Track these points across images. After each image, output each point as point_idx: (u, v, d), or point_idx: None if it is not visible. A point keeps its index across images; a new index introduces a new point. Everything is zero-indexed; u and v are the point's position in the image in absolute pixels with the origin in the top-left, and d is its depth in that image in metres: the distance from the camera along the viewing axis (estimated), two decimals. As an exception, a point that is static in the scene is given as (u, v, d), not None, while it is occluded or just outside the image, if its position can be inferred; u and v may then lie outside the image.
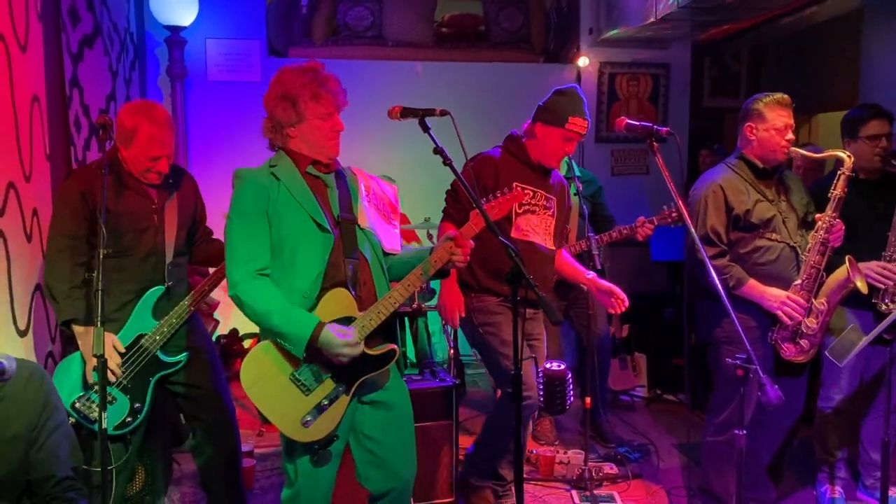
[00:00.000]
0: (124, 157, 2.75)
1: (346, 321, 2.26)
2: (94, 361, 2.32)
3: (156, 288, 2.75)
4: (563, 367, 2.28)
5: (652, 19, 5.19)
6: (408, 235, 5.15)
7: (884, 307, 3.15)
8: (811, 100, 6.77)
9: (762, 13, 5.49)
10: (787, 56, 7.04)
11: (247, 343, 5.25)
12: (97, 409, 2.41)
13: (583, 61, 5.90)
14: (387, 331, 2.35)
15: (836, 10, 5.68)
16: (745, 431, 2.21)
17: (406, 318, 4.77)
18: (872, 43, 5.77)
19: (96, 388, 2.44)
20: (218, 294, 3.75)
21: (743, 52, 7.39)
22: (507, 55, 6.07)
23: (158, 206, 2.81)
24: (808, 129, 7.24)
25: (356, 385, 2.29)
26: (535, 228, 3.10)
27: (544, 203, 3.15)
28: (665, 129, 2.46)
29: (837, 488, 3.50)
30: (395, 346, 2.32)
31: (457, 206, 3.12)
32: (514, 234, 3.03)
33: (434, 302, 4.61)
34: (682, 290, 4.93)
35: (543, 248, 3.13)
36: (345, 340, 2.19)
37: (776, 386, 2.08)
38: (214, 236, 3.15)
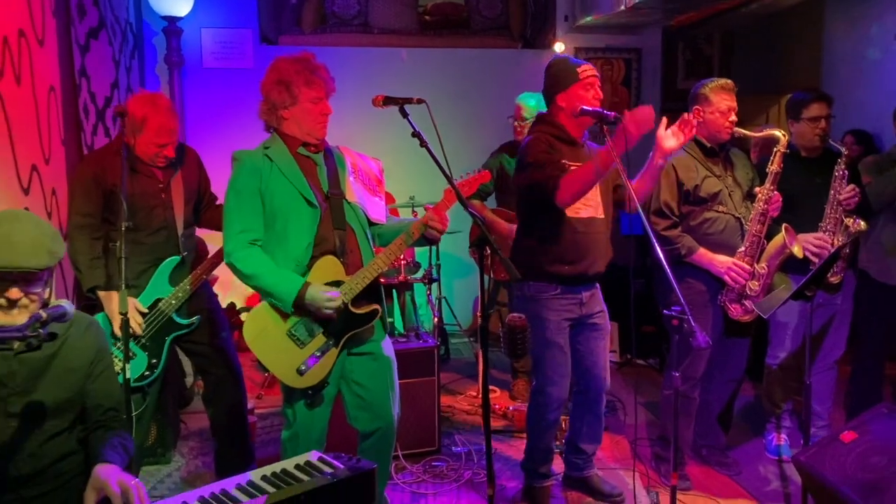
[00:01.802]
0: (133, 143, 3.02)
1: (336, 285, 2.58)
2: (120, 319, 2.67)
3: (172, 257, 3.08)
4: (522, 317, 2.62)
5: (623, 7, 5.51)
6: (394, 214, 5.45)
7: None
8: (779, 81, 7.11)
9: (728, 0, 5.79)
10: (756, 40, 7.36)
11: (244, 316, 5.56)
12: (119, 363, 2.75)
13: (559, 47, 6.22)
14: (371, 293, 2.68)
15: (798, -3, 6.00)
16: (678, 373, 2.54)
17: (394, 291, 5.11)
18: (832, 28, 6.12)
19: (119, 344, 2.77)
20: (216, 269, 4.07)
21: (715, 36, 7.68)
22: (487, 42, 6.38)
23: (165, 184, 3.11)
24: (778, 110, 7.57)
25: (344, 339, 2.62)
26: (587, 202, 3.05)
27: None
28: (612, 113, 2.76)
29: (783, 436, 3.86)
30: (378, 306, 2.66)
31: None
32: (569, 213, 3.00)
33: (420, 275, 4.92)
34: (651, 262, 5.26)
35: (597, 219, 3.09)
36: (328, 296, 2.51)
37: (704, 332, 2.41)
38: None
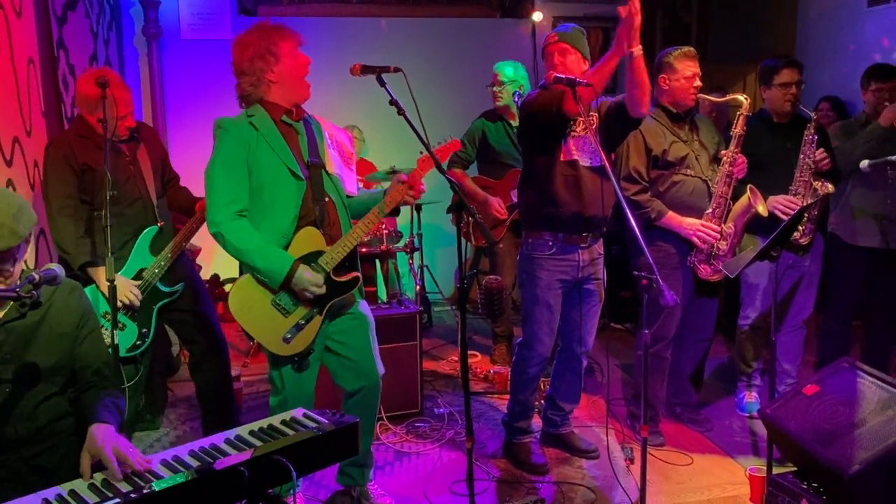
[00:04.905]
0: (93, 122, 3.06)
1: (317, 255, 2.64)
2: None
3: (150, 228, 3.13)
4: (499, 279, 2.70)
5: (600, -25, 5.54)
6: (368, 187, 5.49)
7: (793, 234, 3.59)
8: (756, 49, 7.17)
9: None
10: (734, 8, 7.41)
11: (227, 287, 5.64)
12: (108, 334, 2.81)
13: (537, 16, 6.24)
14: (351, 261, 2.75)
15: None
16: (648, 331, 2.66)
17: (377, 260, 5.18)
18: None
19: (108, 315, 2.83)
20: (199, 241, 4.12)
21: (693, 4, 7.73)
22: (466, 10, 6.41)
23: (132, 157, 3.19)
24: (755, 77, 7.64)
25: (327, 307, 2.69)
26: (583, 148, 3.11)
27: (583, 129, 3.13)
28: (585, 80, 2.82)
29: (753, 394, 4.01)
30: (358, 274, 2.73)
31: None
32: (563, 157, 3.08)
33: (402, 244, 4.99)
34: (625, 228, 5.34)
35: (593, 166, 3.11)
36: (313, 279, 2.57)
37: (672, 292, 2.52)
38: (186, 185, 3.50)
